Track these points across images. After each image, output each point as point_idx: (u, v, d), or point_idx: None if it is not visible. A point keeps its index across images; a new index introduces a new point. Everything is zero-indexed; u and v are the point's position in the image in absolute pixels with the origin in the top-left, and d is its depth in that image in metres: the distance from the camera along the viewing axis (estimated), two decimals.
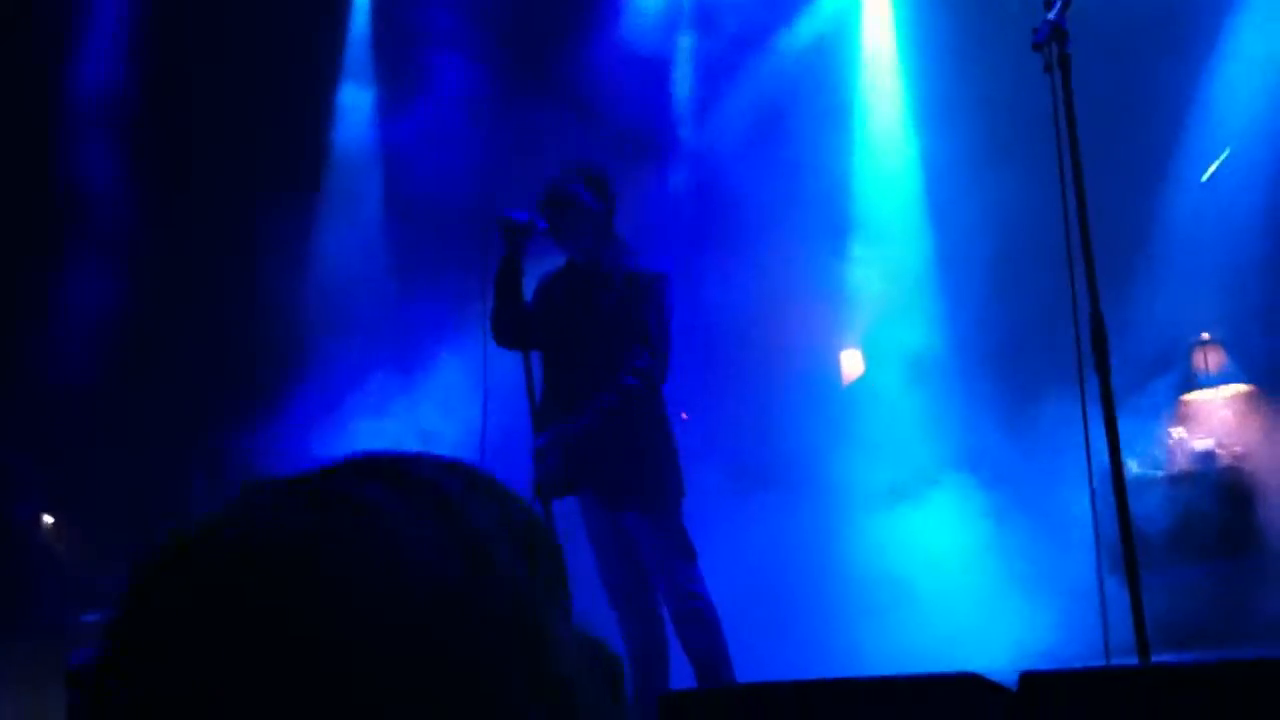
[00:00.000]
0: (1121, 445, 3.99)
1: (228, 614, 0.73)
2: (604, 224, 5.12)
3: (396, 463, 0.84)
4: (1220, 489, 6.65)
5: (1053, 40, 4.04)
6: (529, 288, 5.21)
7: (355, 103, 8.98)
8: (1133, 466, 6.35)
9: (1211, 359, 7.03)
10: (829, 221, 8.25)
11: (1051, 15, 4.04)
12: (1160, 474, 6.72)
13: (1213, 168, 7.48)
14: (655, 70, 8.55)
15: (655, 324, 4.97)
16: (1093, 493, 4.22)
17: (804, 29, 8.62)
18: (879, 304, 7.93)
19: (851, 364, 8.28)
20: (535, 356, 5.13)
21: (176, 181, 8.20)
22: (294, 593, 0.74)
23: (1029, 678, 2.99)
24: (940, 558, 6.77)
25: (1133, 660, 3.89)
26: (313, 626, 0.73)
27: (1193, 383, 7.06)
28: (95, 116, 8.24)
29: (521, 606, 0.78)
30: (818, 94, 8.49)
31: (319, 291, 8.39)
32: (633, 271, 5.05)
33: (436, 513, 0.80)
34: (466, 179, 8.05)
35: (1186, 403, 7.01)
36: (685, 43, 8.62)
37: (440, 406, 7.11)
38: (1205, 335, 7.06)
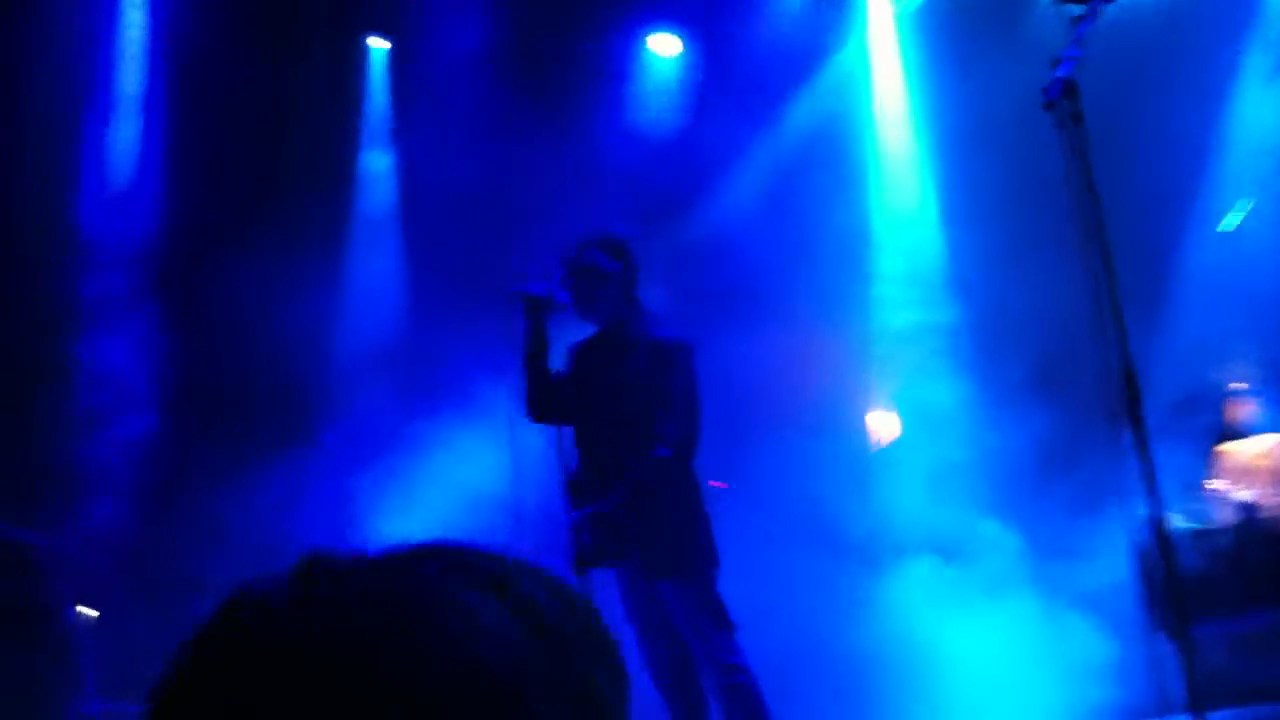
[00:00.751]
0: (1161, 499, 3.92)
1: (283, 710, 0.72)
2: (626, 290, 5.07)
3: (460, 553, 0.83)
4: (1267, 538, 6.55)
5: (1065, 97, 4.00)
6: (556, 357, 5.18)
7: (376, 165, 9.04)
8: (1175, 520, 6.27)
9: (1243, 410, 6.97)
10: (850, 281, 8.24)
11: (1061, 73, 4.00)
12: (1204, 526, 6.63)
13: (1234, 217, 7.46)
14: (673, 133, 8.61)
15: (682, 393, 4.91)
16: (1137, 547, 4.16)
17: (819, 85, 8.70)
18: (905, 362, 7.90)
19: (884, 424, 8.24)
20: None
21: (198, 243, 8.16)
22: (354, 693, 0.72)
23: None
24: (984, 616, 6.67)
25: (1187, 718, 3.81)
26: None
27: (1226, 434, 6.99)
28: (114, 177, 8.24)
29: (589, 689, 0.79)
30: (833, 154, 8.53)
31: (346, 348, 8.38)
32: (657, 340, 5.00)
33: (512, 610, 0.79)
34: (488, 236, 8.08)
35: (1221, 454, 6.94)
36: (702, 105, 8.69)
37: (473, 472, 7.00)
38: (1236, 385, 7.00)
